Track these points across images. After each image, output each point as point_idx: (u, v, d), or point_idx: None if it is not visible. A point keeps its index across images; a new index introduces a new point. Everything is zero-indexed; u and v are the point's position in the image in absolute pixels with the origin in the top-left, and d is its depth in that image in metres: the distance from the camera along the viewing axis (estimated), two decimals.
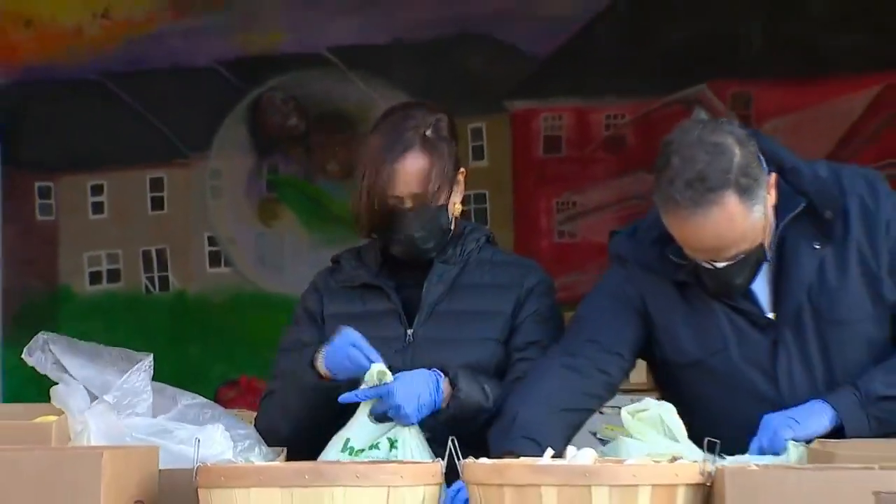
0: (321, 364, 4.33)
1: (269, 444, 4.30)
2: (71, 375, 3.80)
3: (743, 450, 4.04)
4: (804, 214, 4.18)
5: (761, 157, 4.12)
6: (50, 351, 3.85)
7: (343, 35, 9.43)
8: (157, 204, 9.58)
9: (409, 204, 4.45)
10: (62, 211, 9.60)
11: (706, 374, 4.30)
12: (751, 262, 4.17)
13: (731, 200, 4.03)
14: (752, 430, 4.11)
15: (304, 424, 4.40)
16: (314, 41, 9.44)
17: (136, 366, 3.86)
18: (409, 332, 4.47)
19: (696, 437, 4.17)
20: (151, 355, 3.91)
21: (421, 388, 4.16)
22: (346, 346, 4.20)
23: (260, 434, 4.31)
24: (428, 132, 4.44)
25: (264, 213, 9.52)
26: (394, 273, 4.54)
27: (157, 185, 9.57)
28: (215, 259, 9.55)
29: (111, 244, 9.59)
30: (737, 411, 4.23)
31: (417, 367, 4.37)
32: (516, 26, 9.31)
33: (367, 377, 4.23)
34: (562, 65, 9.34)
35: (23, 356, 3.87)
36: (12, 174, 9.57)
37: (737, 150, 4.05)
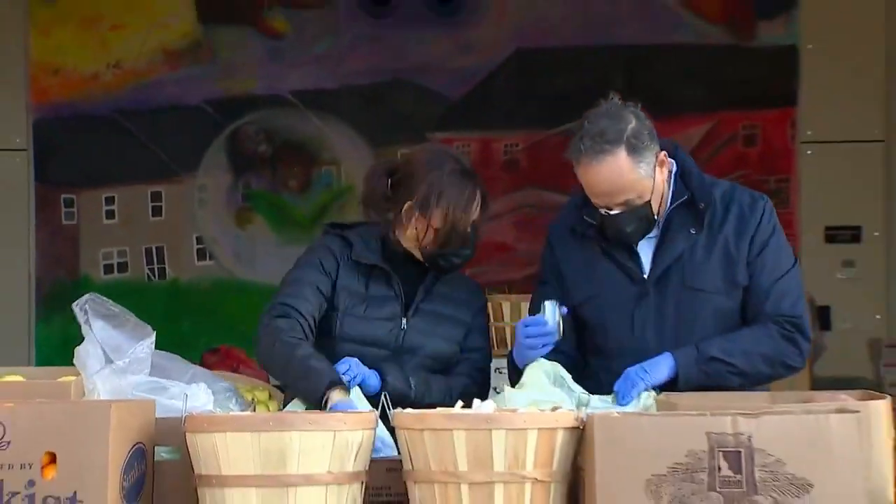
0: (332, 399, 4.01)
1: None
2: (94, 334, 3.78)
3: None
4: (688, 205, 4.19)
5: (654, 135, 4.10)
6: (86, 309, 3.82)
7: (301, 82, 9.45)
8: (157, 212, 9.56)
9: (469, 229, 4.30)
10: (82, 217, 9.56)
11: (586, 316, 4.30)
12: (638, 214, 4.11)
13: (622, 154, 4.02)
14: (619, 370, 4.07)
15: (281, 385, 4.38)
16: (279, 86, 9.45)
17: (145, 340, 3.84)
18: (404, 320, 4.32)
19: (594, 372, 4.26)
20: (154, 333, 3.88)
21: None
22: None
23: (257, 355, 4.30)
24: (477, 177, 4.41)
25: (240, 219, 9.51)
26: (390, 263, 4.33)
27: (156, 197, 9.55)
28: (202, 255, 9.54)
29: (120, 243, 9.56)
30: (608, 351, 4.23)
31: (407, 349, 4.28)
32: (435, 76, 9.39)
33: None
34: (469, 105, 9.40)
35: (73, 305, 3.85)
36: (43, 189, 9.50)
37: (633, 120, 4.06)
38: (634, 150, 4.06)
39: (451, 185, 4.24)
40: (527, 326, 4.12)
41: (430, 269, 4.34)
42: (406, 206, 4.26)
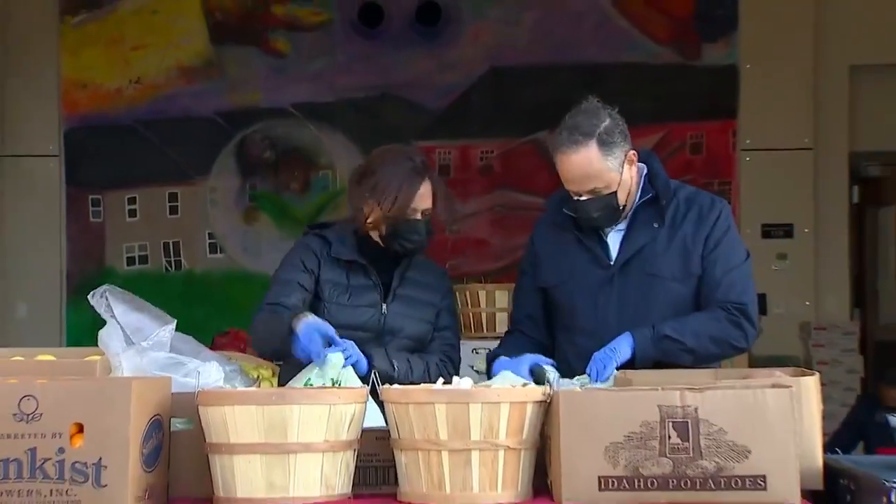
0: (297, 329, 3.98)
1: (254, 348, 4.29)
2: (116, 319, 3.76)
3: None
4: (653, 203, 4.17)
5: (626, 136, 4.04)
6: (106, 297, 3.80)
7: (301, 95, 9.51)
8: (173, 210, 9.58)
9: (421, 215, 4.23)
10: (107, 215, 9.58)
11: (557, 297, 4.28)
12: (604, 202, 4.05)
13: (593, 147, 3.97)
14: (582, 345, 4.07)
15: (269, 353, 4.34)
16: (281, 99, 9.51)
17: (166, 326, 3.82)
18: (384, 305, 4.26)
19: (559, 347, 4.25)
20: (175, 321, 3.86)
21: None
22: (314, 331, 4.08)
23: (252, 344, 4.31)
24: (430, 170, 4.37)
25: (247, 217, 9.55)
26: (366, 256, 4.26)
27: (173, 197, 9.58)
28: (213, 248, 9.57)
29: (141, 238, 9.59)
30: (574, 328, 4.22)
31: (388, 331, 4.24)
32: (419, 91, 9.45)
33: (328, 361, 4.06)
34: (449, 117, 9.46)
35: (88, 297, 3.82)
36: (73, 190, 9.57)
37: (607, 119, 4.03)
38: (605, 144, 4.02)
39: (399, 177, 4.20)
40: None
41: (390, 253, 4.30)
42: (366, 198, 4.25)
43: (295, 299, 4.23)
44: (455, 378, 3.61)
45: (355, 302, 4.25)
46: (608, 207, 4.10)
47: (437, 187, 4.32)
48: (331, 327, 4.00)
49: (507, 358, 4.11)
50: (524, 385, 3.56)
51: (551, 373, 3.92)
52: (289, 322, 4.03)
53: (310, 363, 4.00)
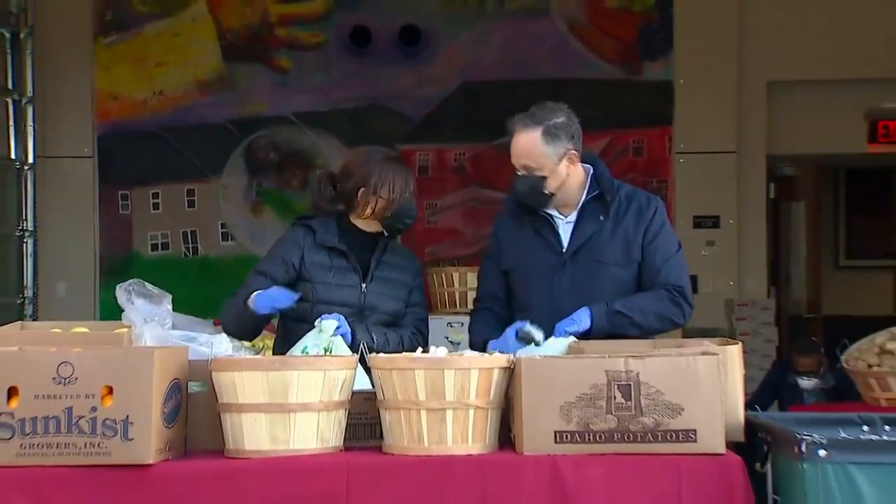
0: (251, 303, 3.99)
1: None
2: (134, 306, 3.75)
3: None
4: (599, 199, 4.15)
5: (575, 137, 4.04)
6: (130, 290, 3.79)
7: (301, 106, 9.45)
8: (191, 204, 9.53)
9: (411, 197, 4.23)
10: (134, 208, 9.53)
11: (518, 282, 4.28)
12: (533, 182, 4.02)
13: (538, 133, 3.99)
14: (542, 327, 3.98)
15: (235, 330, 4.24)
16: (284, 109, 9.46)
17: (165, 300, 3.81)
18: (364, 285, 4.21)
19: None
20: (170, 296, 3.84)
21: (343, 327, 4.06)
22: (275, 291, 4.07)
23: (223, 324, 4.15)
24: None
25: (254, 210, 9.48)
26: (346, 243, 4.19)
27: (191, 193, 9.53)
28: (225, 237, 9.50)
29: (163, 227, 9.54)
30: (530, 306, 4.21)
31: (368, 308, 4.18)
32: (403, 102, 9.43)
33: (323, 327, 3.96)
34: (428, 124, 9.43)
35: (116, 287, 3.81)
36: (105, 187, 9.53)
37: (562, 118, 4.03)
38: (549, 134, 4.01)
39: (391, 167, 4.19)
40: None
41: (389, 233, 4.27)
42: (360, 192, 4.17)
43: (266, 286, 4.13)
44: (432, 347, 3.61)
45: (338, 282, 4.17)
46: (534, 188, 4.06)
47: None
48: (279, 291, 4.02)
49: (493, 340, 4.03)
50: (492, 353, 3.56)
51: (536, 333, 3.91)
52: (243, 298, 4.03)
53: (297, 325, 4.03)
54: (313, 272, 4.19)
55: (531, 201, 4.13)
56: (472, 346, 4.15)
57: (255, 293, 4.04)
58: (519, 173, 4.09)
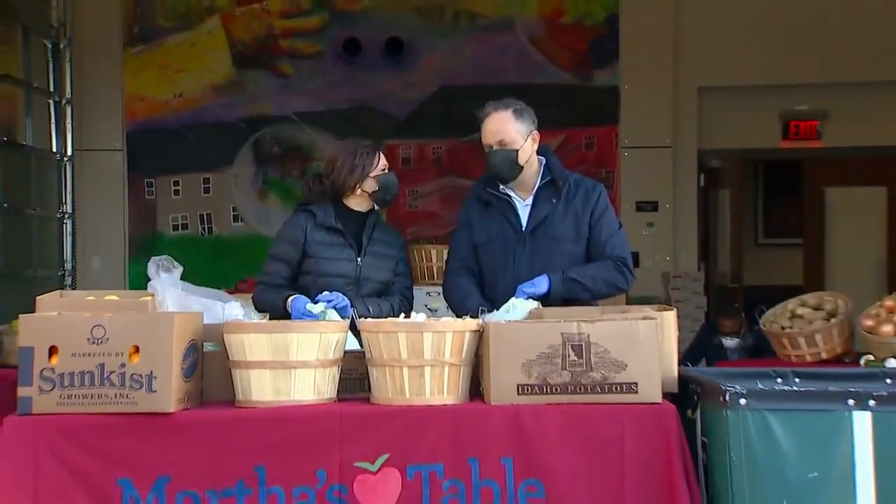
0: (289, 307, 3.99)
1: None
2: (160, 277, 3.72)
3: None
4: (551, 184, 4.15)
5: (535, 123, 4.08)
6: (158, 265, 3.76)
7: (301, 106, 9.40)
8: (206, 190, 9.48)
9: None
10: (158, 194, 9.48)
11: (485, 255, 4.27)
12: (507, 155, 4.02)
13: (508, 112, 4.05)
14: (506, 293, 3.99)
15: (263, 311, 4.22)
16: (286, 109, 9.41)
17: (175, 270, 3.78)
18: (359, 258, 4.17)
19: (489, 291, 4.15)
20: (181, 268, 3.80)
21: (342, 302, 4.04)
22: (303, 307, 4.02)
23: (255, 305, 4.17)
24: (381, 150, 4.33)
25: (260, 195, 9.45)
26: (342, 223, 4.17)
27: (206, 181, 9.49)
28: (236, 218, 9.46)
29: (183, 210, 9.49)
30: (494, 275, 4.20)
31: (363, 279, 4.16)
32: (388, 103, 9.40)
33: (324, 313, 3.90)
34: (410, 122, 9.39)
35: (148, 263, 3.78)
36: (133, 176, 9.46)
37: (525, 106, 4.10)
38: (517, 114, 4.07)
39: (371, 151, 4.18)
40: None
41: (379, 206, 4.26)
42: (345, 177, 4.16)
43: (284, 273, 4.16)
44: (413, 313, 3.61)
45: (337, 257, 4.15)
46: (508, 160, 4.05)
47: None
48: (306, 299, 3.97)
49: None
50: (463, 318, 3.54)
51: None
52: (283, 302, 4.01)
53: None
54: (315, 249, 4.16)
55: (505, 172, 4.09)
56: (457, 302, 4.13)
57: (291, 298, 4.00)
58: (494, 149, 4.06)
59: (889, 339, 5.02)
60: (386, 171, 4.21)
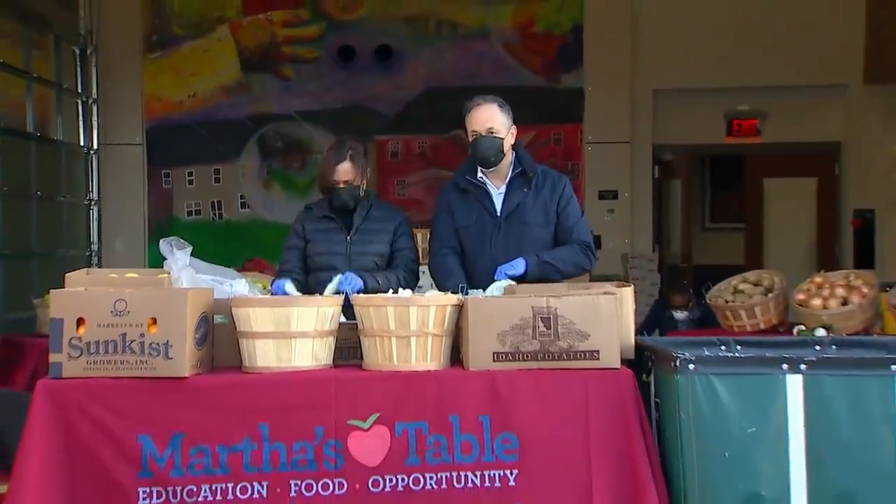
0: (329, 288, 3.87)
1: None
2: (175, 256, 3.70)
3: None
4: (523, 175, 4.14)
5: (512, 118, 4.09)
6: (170, 245, 3.73)
7: (301, 106, 9.32)
8: (217, 180, 9.39)
9: (343, 185, 4.24)
10: (174, 183, 9.41)
11: (464, 238, 4.25)
12: (494, 142, 4.02)
13: (495, 104, 4.06)
14: (484, 271, 4.00)
15: None
16: (287, 108, 9.33)
17: (186, 249, 3.75)
18: (348, 237, 4.24)
19: (469, 270, 4.14)
20: (190, 248, 3.77)
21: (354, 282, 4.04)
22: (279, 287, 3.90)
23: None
24: (352, 152, 4.33)
25: (265, 185, 9.34)
26: (335, 212, 4.25)
27: (217, 172, 9.41)
28: (243, 205, 9.38)
29: (196, 198, 9.40)
30: (473, 257, 4.18)
31: (353, 257, 4.20)
32: (378, 103, 9.32)
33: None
34: (399, 120, 9.32)
35: (159, 243, 3.76)
36: (151, 167, 9.38)
37: (504, 102, 4.11)
38: (502, 108, 4.08)
39: (326, 161, 4.28)
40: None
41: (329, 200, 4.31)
42: (324, 183, 4.31)
43: (293, 259, 4.28)
44: (400, 290, 3.61)
45: (328, 238, 4.26)
46: (495, 146, 4.05)
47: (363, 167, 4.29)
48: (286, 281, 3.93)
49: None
50: (446, 293, 3.54)
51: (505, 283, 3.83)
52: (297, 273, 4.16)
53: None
54: (311, 234, 4.30)
55: (491, 157, 4.07)
56: (442, 279, 4.11)
57: (275, 281, 4.03)
58: (483, 135, 4.04)
59: (818, 311, 5.06)
60: (340, 184, 4.21)
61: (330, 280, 3.86)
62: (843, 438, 3.05)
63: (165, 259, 3.68)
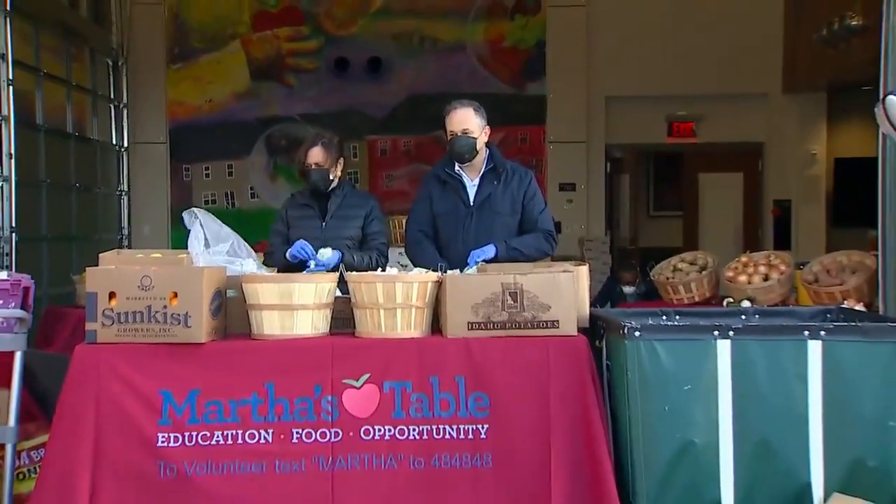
0: (287, 254, 3.98)
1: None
2: (201, 226, 3.64)
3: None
4: (494, 170, 4.11)
5: (486, 121, 4.04)
6: (195, 214, 3.68)
7: (302, 109, 9.27)
8: (230, 174, 9.35)
9: (314, 167, 4.15)
10: (193, 177, 9.36)
11: (441, 223, 4.23)
12: (468, 141, 3.97)
13: (471, 108, 4.01)
14: (458, 254, 3.95)
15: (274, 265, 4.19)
16: (291, 112, 9.30)
17: (226, 242, 3.70)
18: (323, 223, 4.19)
19: (444, 253, 4.08)
20: (231, 240, 3.71)
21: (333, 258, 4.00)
22: (299, 245, 4.03)
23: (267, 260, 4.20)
24: (324, 140, 4.28)
25: (272, 178, 9.31)
26: (314, 198, 4.17)
27: (230, 167, 9.36)
28: (252, 195, 9.36)
29: (212, 189, 9.35)
30: (447, 242, 4.12)
31: (328, 238, 4.07)
32: (370, 108, 9.31)
33: (319, 254, 3.91)
34: (386, 122, 9.32)
35: (183, 214, 3.70)
36: (174, 163, 9.32)
37: (481, 107, 4.06)
38: (477, 111, 4.03)
39: (303, 147, 4.19)
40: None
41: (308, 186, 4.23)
42: (300, 169, 4.23)
43: (279, 241, 4.19)
44: (388, 267, 3.60)
45: (306, 223, 4.17)
46: (469, 145, 4.00)
47: (335, 155, 4.18)
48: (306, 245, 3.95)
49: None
50: (428, 271, 3.51)
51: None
52: (282, 256, 4.02)
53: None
54: (292, 221, 4.22)
55: (465, 154, 4.02)
56: (417, 255, 4.07)
57: (289, 249, 3.99)
58: (459, 135, 3.99)
59: (744, 286, 5.09)
60: (312, 166, 4.13)
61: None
62: (763, 393, 3.07)
63: (189, 240, 3.62)
